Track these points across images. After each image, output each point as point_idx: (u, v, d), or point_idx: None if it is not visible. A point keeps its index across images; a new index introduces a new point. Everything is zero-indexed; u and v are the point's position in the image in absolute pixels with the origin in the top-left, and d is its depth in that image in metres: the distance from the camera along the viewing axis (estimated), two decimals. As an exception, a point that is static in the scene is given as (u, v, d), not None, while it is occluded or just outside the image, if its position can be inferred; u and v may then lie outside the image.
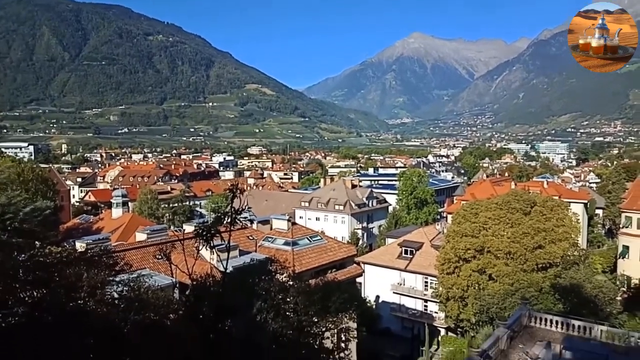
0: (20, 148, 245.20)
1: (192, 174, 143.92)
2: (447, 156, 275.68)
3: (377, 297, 48.56)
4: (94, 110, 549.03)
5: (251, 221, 36.33)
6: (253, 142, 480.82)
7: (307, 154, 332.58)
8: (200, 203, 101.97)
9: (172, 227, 51.71)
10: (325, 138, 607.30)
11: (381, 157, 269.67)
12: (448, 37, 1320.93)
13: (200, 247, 10.72)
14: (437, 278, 40.87)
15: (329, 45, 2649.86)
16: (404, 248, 48.25)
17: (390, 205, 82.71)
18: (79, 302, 11.44)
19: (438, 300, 40.81)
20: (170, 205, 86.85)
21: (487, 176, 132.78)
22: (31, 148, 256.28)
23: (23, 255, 12.24)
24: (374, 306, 47.98)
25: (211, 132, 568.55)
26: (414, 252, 47.35)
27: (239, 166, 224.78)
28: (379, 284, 47.99)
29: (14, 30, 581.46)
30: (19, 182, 52.23)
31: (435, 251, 43.40)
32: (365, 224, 75.99)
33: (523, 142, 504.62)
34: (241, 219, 10.10)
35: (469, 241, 36.58)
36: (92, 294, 11.60)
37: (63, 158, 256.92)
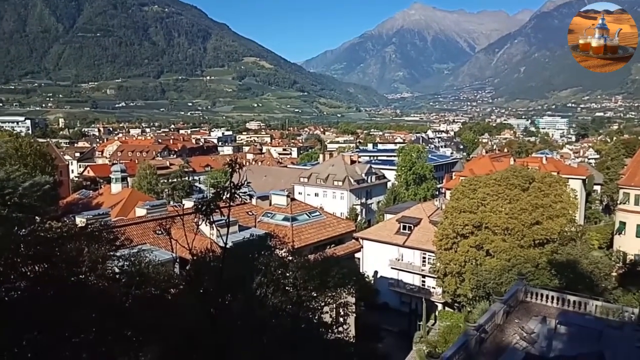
0: (17, 122, 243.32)
1: (191, 149, 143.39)
2: (447, 131, 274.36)
3: (376, 272, 49.09)
4: (90, 83, 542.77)
5: (250, 196, 36.37)
6: (251, 116, 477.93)
7: (306, 129, 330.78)
8: (199, 178, 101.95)
9: (171, 203, 51.87)
10: (324, 113, 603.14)
11: (380, 133, 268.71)
12: (449, 9, 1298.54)
13: (200, 223, 10.74)
14: (435, 254, 41.19)
15: (328, 17, 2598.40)
16: (402, 224, 48.47)
17: (389, 181, 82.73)
18: (80, 276, 11.51)
19: (436, 276, 41.23)
20: (170, 180, 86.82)
21: (487, 152, 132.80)
22: (28, 122, 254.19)
23: (23, 230, 12.25)
24: (372, 281, 48.55)
25: (209, 107, 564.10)
26: (413, 227, 47.58)
27: (237, 141, 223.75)
28: (377, 259, 48.43)
29: (5, 1, 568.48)
30: (17, 157, 51.85)
31: (433, 227, 43.55)
32: (364, 200, 76.17)
33: (523, 117, 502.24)
34: (240, 194, 10.05)
35: (467, 217, 36.72)
36: (93, 268, 11.66)
37: (61, 132, 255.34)
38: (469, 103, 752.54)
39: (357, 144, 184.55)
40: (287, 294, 14.48)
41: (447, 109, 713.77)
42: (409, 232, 47.60)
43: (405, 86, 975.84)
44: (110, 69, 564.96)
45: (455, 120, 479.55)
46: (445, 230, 37.99)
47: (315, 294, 15.41)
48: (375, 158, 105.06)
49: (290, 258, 16.62)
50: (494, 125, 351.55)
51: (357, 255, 42.68)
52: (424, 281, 46.45)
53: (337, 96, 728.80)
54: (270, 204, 36.28)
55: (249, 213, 33.95)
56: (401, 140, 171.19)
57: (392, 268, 47.63)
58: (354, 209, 71.71)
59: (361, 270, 47.66)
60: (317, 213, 36.67)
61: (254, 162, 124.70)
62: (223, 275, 11.41)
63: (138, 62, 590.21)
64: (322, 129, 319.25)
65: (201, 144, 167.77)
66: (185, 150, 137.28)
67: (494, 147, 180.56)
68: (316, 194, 76.36)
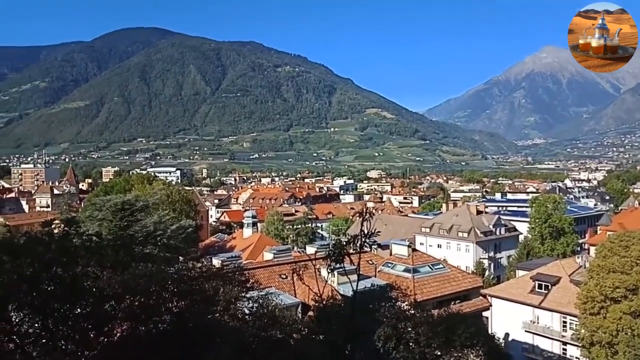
0: (170, 172, 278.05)
1: (315, 197, 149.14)
2: (589, 180, 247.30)
3: (507, 334, 44.67)
4: (229, 137, 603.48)
5: (378, 245, 36.22)
6: (372, 165, 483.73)
7: (427, 177, 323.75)
8: (321, 225, 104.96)
9: (295, 248, 54.09)
10: (447, 161, 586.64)
11: (510, 181, 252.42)
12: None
13: (328, 270, 11.04)
14: (578, 318, 36.34)
15: (451, 65, 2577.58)
16: (537, 282, 43.92)
17: (521, 234, 76.33)
18: (216, 315, 12.50)
19: (580, 344, 36.11)
20: (294, 226, 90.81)
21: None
22: (178, 172, 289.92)
23: (171, 269, 13.82)
24: (502, 344, 44.15)
25: (332, 157, 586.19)
26: (550, 287, 42.78)
27: (358, 190, 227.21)
28: (508, 320, 44.18)
29: (168, 70, 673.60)
30: (168, 203, 58.64)
31: (575, 287, 38.78)
32: (492, 254, 71.05)
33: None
34: (370, 243, 10.20)
35: (618, 278, 31.99)
36: (227, 308, 12.59)
37: (203, 181, 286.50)
38: (614, 149, 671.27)
39: (484, 193, 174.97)
40: (410, 349, 13.90)
41: (587, 155, 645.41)
42: (546, 291, 42.85)
43: (537, 132, 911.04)
44: (247, 124, 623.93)
45: (599, 168, 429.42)
46: (590, 292, 33.44)
47: (439, 353, 14.55)
48: (504, 209, 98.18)
49: (413, 312, 16.04)
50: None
51: (485, 314, 39.54)
52: (565, 349, 40.93)
53: (461, 144, 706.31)
54: (390, 254, 35.76)
55: (370, 262, 33.83)
56: (534, 190, 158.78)
57: (525, 331, 42.98)
58: (480, 263, 67.14)
59: (490, 331, 43.80)
60: (440, 265, 35.14)
61: (374, 211, 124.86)
62: (351, 324, 11.46)
63: (271, 117, 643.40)
64: (444, 178, 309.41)
65: (324, 192, 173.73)
66: (309, 198, 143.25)
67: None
68: (439, 245, 73.26)
